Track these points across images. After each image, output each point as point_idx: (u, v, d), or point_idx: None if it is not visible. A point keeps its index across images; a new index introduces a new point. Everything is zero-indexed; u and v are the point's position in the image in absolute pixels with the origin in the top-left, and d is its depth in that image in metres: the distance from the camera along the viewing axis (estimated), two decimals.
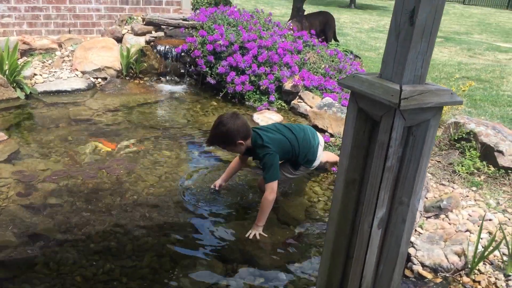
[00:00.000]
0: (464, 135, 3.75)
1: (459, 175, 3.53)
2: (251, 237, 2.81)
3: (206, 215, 3.08)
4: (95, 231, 2.81)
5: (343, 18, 15.91)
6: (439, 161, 3.77)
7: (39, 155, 3.72)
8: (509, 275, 2.50)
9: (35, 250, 2.60)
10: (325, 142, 3.94)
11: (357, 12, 18.85)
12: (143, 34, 5.98)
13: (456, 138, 3.81)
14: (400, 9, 1.47)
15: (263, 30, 5.82)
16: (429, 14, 1.43)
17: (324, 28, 7.44)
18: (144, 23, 6.11)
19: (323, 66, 5.46)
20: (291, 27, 6.51)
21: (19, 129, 4.23)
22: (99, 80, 5.56)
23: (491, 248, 2.52)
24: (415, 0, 1.42)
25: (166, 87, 5.72)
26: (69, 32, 6.39)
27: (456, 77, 7.11)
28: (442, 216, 3.00)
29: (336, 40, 7.82)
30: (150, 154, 3.89)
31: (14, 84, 4.79)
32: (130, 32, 6.07)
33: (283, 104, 5.18)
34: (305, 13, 8.69)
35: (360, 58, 7.76)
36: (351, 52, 7.50)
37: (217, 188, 3.29)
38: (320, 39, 6.70)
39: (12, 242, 2.65)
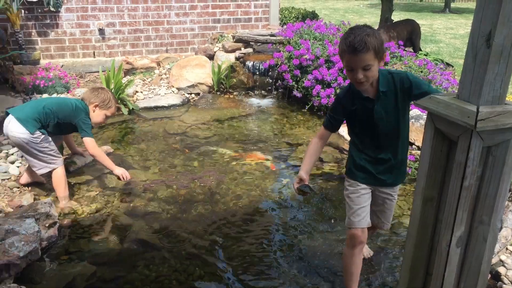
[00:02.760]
0: None
1: None
2: None
3: (289, 227, 3.21)
4: (188, 238, 3.05)
5: (436, 24, 15.32)
6: None
7: (139, 167, 4.08)
8: None
9: (136, 253, 2.89)
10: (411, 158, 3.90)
11: (452, 17, 18.01)
12: (233, 51, 6.29)
13: None
14: (477, 31, 1.50)
15: None
16: (506, 36, 1.45)
17: (410, 37, 7.28)
18: (234, 40, 6.42)
19: None
20: None
21: (122, 143, 4.66)
22: (193, 95, 5.94)
23: None
24: (492, 23, 1.44)
25: (254, 101, 5.96)
26: (166, 51, 6.89)
27: None
28: None
29: (419, 49, 7.62)
30: (239, 165, 4.11)
31: (119, 101, 5.29)
32: (221, 49, 6.41)
33: None
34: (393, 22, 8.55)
35: (452, 66, 7.48)
36: (442, 61, 7.25)
37: (307, 183, 2.28)
38: (407, 50, 6.57)
39: (117, 245, 2.96)
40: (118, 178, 3.56)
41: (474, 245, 1.68)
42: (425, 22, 15.07)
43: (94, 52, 6.59)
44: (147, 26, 6.73)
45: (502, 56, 1.47)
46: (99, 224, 3.19)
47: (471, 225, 1.66)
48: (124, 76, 6.01)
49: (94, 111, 3.52)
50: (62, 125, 3.43)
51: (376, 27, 8.31)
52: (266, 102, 5.96)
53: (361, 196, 2.34)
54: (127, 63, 6.13)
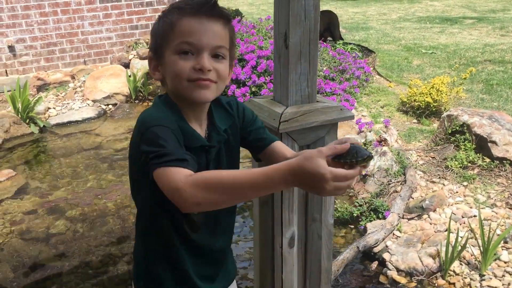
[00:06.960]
0: (458, 128, 3.63)
1: (451, 170, 3.42)
2: None
3: None
4: (96, 257, 2.98)
5: (370, 11, 15.58)
6: (434, 157, 3.67)
7: (49, 187, 3.93)
8: (484, 275, 2.41)
9: (38, 281, 2.78)
10: None
11: (387, 2, 18.38)
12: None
13: (450, 132, 3.69)
14: (277, 33, 1.49)
15: (265, 39, 5.85)
16: (301, 36, 1.45)
17: (329, 28, 7.37)
18: (148, 46, 6.29)
19: (324, 69, 5.43)
20: None
21: (32, 163, 4.49)
22: (110, 106, 5.79)
23: (459, 248, 2.45)
24: (285, 23, 1.44)
25: None
26: (85, 62, 6.69)
27: (477, 61, 6.84)
28: (425, 216, 2.93)
29: (341, 38, 7.71)
30: None
31: (28, 120, 5.09)
32: (136, 56, 6.28)
33: None
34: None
35: (374, 53, 7.63)
36: (366, 48, 7.42)
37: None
38: (326, 40, 6.67)
39: (16, 277, 2.84)
40: None
41: (311, 243, 1.69)
42: (359, 10, 15.33)
43: (6, 70, 6.32)
44: (61, 39, 6.51)
45: (302, 56, 1.47)
46: None
47: (306, 224, 1.67)
48: (37, 93, 5.80)
49: None
50: None
51: None
52: None
53: None
54: (38, 79, 5.91)
